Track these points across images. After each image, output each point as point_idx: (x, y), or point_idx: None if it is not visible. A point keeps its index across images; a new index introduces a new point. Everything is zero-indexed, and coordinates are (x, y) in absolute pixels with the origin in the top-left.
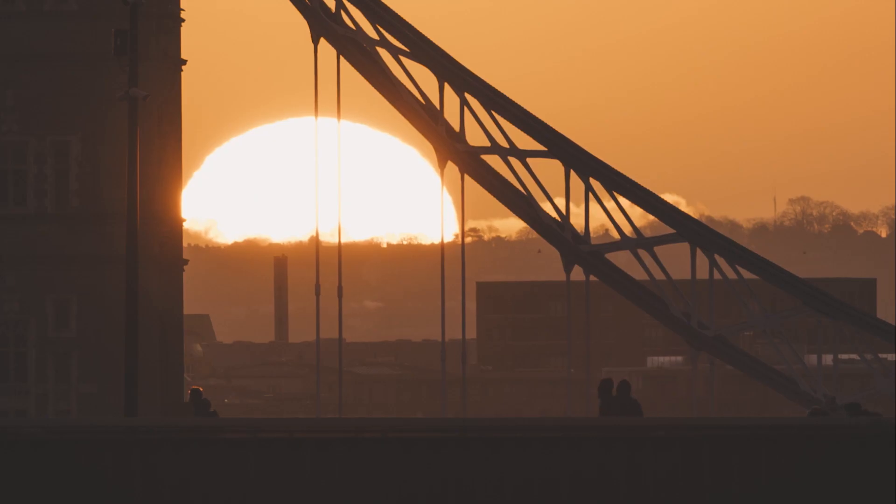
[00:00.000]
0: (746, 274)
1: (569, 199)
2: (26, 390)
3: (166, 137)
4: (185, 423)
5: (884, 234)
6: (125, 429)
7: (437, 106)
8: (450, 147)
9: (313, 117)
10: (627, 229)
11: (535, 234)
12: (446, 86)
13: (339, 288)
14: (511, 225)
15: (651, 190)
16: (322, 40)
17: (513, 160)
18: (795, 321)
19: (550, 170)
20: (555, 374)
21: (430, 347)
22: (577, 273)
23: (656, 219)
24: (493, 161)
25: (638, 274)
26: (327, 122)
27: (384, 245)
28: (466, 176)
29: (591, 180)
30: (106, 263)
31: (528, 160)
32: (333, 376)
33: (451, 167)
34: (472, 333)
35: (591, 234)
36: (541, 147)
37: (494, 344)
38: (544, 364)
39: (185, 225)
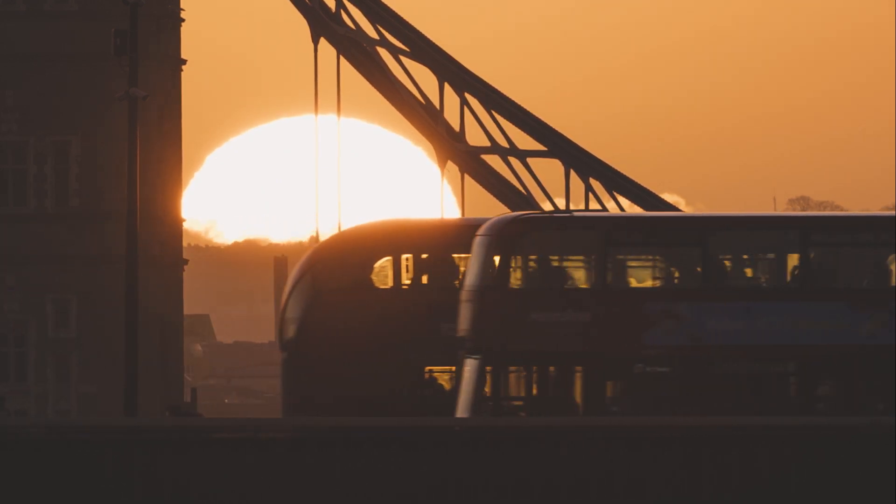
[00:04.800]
0: None
1: (569, 199)
2: (26, 390)
3: (166, 137)
4: (185, 423)
5: None
6: (125, 429)
7: (437, 106)
8: (450, 147)
9: (313, 116)
10: None
11: None
12: (446, 86)
13: None
14: None
15: (651, 190)
16: (322, 40)
17: (513, 160)
18: None
19: (550, 170)
20: None
21: None
22: None
23: None
24: (493, 161)
25: None
26: (328, 122)
27: None
28: (466, 176)
29: (591, 180)
30: (106, 264)
31: (528, 160)
32: None
33: (452, 167)
34: None
35: None
36: (541, 147)
37: None
38: None
39: (185, 225)
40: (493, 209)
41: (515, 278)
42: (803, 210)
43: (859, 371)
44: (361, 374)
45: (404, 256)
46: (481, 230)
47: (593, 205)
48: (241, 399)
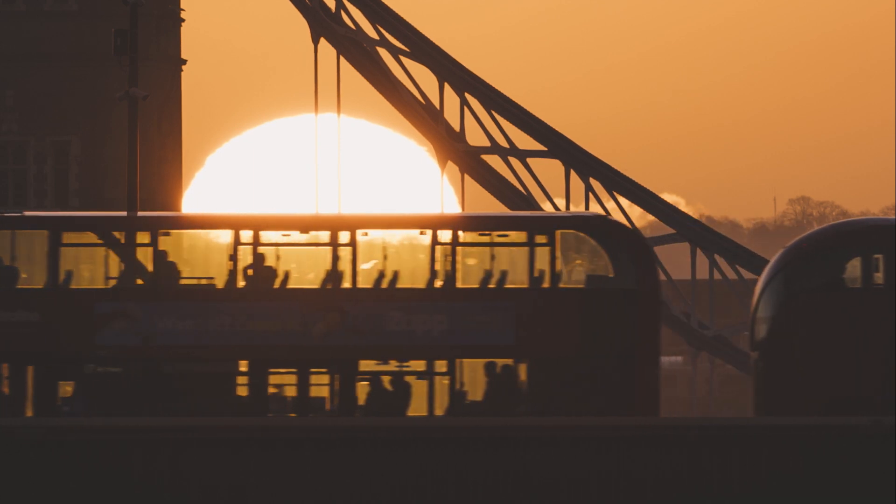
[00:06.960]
0: (746, 274)
1: (569, 199)
2: None
3: (166, 137)
4: (186, 423)
5: None
6: (125, 429)
7: (437, 106)
8: (450, 147)
9: (313, 116)
10: None
11: None
12: (446, 86)
13: None
14: None
15: (651, 190)
16: (322, 40)
17: (513, 160)
18: None
19: (550, 170)
20: None
21: None
22: None
23: (656, 219)
24: (494, 161)
25: None
26: (328, 122)
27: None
28: (466, 176)
29: (591, 180)
30: None
31: (528, 160)
32: None
33: (452, 167)
34: None
35: None
36: (541, 147)
37: None
38: None
39: None
40: (493, 209)
41: None
42: (803, 210)
43: (311, 371)
44: (833, 376)
45: (875, 256)
46: None
47: (593, 205)
48: None
